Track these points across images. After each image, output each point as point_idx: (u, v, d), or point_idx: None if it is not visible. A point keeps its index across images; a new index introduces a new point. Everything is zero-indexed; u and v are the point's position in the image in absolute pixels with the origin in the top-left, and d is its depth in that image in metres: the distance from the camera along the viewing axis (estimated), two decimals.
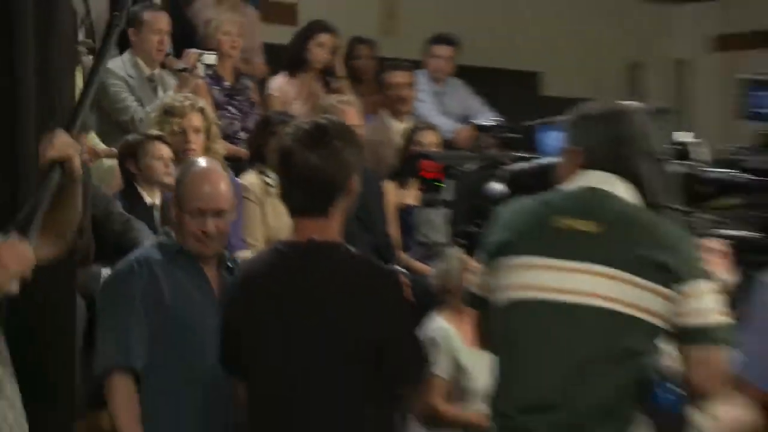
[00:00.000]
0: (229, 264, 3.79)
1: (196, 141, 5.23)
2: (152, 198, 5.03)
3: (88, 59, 5.52)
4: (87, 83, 3.06)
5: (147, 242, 4.03)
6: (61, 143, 2.95)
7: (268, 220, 5.33)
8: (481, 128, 4.46)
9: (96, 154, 5.31)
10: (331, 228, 3.18)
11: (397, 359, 3.12)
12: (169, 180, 5.01)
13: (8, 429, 2.96)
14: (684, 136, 3.63)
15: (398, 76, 6.77)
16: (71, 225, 3.10)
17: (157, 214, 4.99)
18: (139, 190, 5.03)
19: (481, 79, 7.74)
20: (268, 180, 5.36)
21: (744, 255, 3.61)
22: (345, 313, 3.08)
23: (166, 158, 5.06)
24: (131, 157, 5.04)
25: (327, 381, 3.08)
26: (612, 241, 2.97)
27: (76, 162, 2.97)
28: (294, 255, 3.18)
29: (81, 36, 5.61)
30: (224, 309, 3.38)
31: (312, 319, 3.10)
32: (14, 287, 2.80)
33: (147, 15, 5.82)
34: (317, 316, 3.09)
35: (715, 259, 3.47)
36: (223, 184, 3.76)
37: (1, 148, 3.46)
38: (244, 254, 4.82)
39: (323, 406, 3.09)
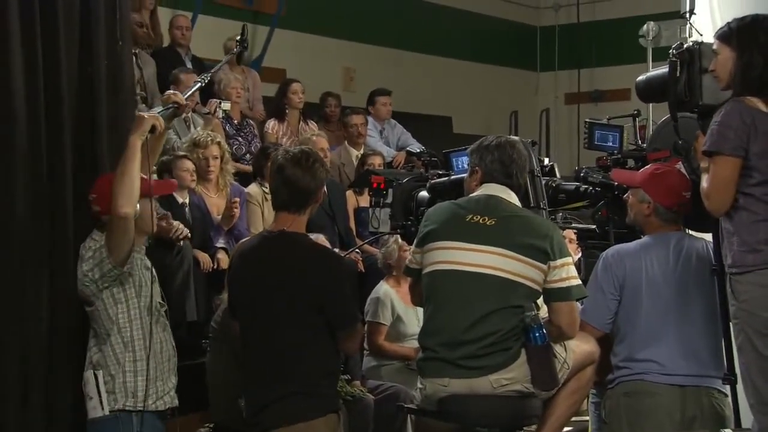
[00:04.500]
0: None
1: (215, 165, 5.16)
2: (183, 198, 4.94)
3: (143, 106, 5.46)
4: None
5: None
6: (182, 96, 3.32)
7: (265, 216, 5.27)
8: (412, 154, 4.44)
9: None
10: (300, 222, 3.15)
11: (332, 314, 3.06)
12: (193, 185, 4.98)
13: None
14: (546, 160, 3.67)
15: (356, 119, 6.71)
16: (156, 156, 3.44)
17: (186, 210, 4.91)
18: (173, 193, 4.94)
19: (412, 121, 7.72)
20: (265, 190, 5.29)
21: (585, 240, 3.67)
22: (299, 281, 3.04)
23: (191, 170, 4.98)
24: (166, 171, 4.95)
25: (285, 322, 3.05)
26: (504, 231, 2.98)
27: (180, 111, 3.39)
28: (272, 239, 3.15)
29: (137, 90, 5.53)
30: (228, 272, 3.37)
31: (278, 283, 3.06)
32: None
33: (183, 76, 5.72)
34: (281, 281, 3.05)
35: (570, 243, 3.51)
36: None
37: (85, 167, 3.42)
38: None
39: (282, 336, 3.05)
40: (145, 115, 3.15)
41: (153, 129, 3.11)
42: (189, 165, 4.99)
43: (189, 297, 4.53)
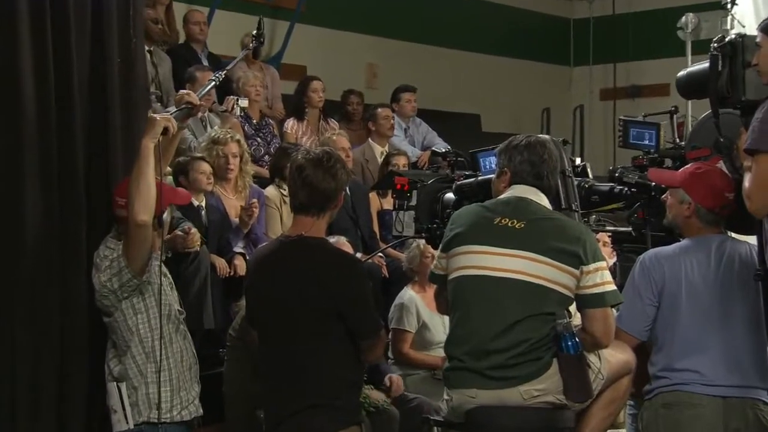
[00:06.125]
0: None
1: (234, 163, 5.16)
2: (198, 201, 4.94)
3: (157, 105, 5.47)
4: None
5: None
6: (195, 96, 3.31)
7: (283, 220, 5.27)
8: (437, 154, 4.42)
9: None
10: (319, 226, 3.14)
11: (353, 322, 3.06)
12: (209, 189, 4.99)
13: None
14: (578, 160, 3.64)
15: (386, 112, 6.77)
16: (169, 159, 3.40)
17: (203, 213, 4.92)
18: None
19: (438, 119, 7.71)
20: (283, 192, 5.29)
21: (620, 244, 3.63)
22: (317, 288, 3.03)
23: (207, 173, 4.98)
24: (182, 173, 4.96)
25: (303, 331, 3.04)
26: (534, 234, 2.96)
27: (194, 112, 3.37)
28: (289, 245, 3.13)
29: (152, 88, 5.56)
30: (245, 279, 3.38)
31: (295, 291, 3.05)
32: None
33: (198, 74, 5.73)
34: (299, 289, 3.04)
35: (604, 247, 3.48)
36: None
37: (97, 169, 3.44)
38: None
39: (300, 346, 3.05)
40: (157, 116, 3.15)
41: (165, 131, 3.11)
42: (206, 167, 4.99)
43: (206, 305, 4.52)
